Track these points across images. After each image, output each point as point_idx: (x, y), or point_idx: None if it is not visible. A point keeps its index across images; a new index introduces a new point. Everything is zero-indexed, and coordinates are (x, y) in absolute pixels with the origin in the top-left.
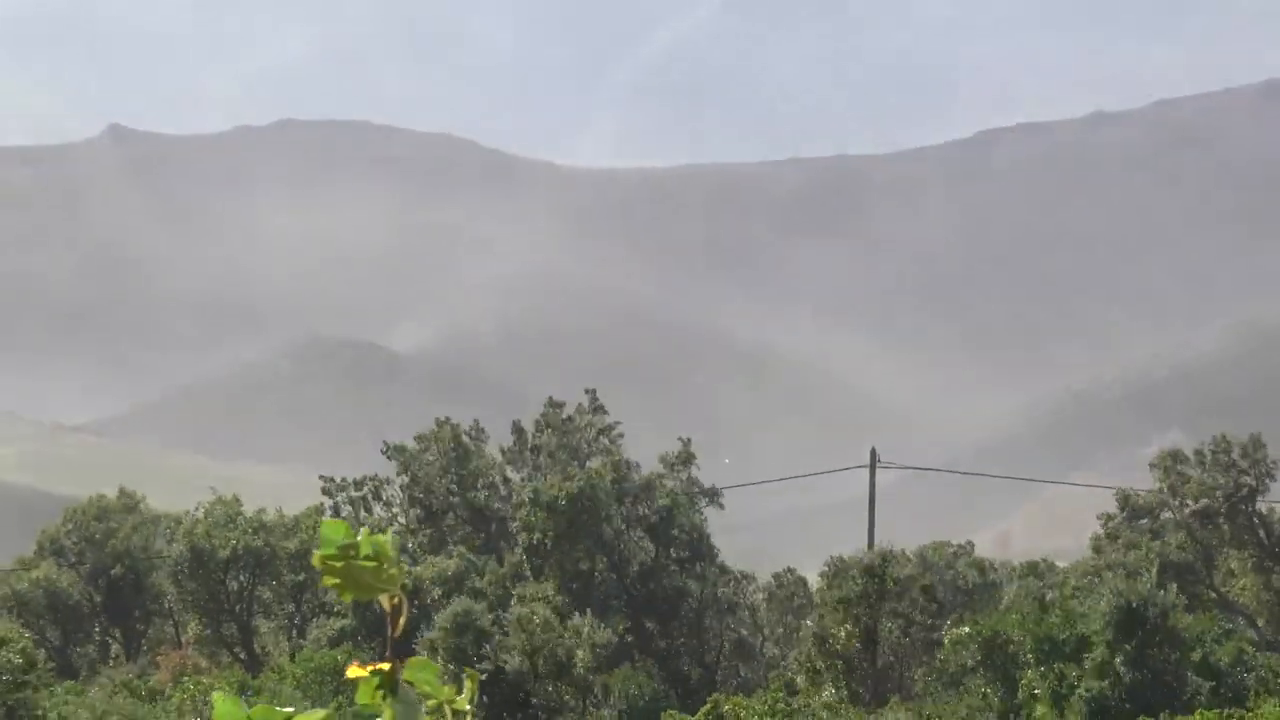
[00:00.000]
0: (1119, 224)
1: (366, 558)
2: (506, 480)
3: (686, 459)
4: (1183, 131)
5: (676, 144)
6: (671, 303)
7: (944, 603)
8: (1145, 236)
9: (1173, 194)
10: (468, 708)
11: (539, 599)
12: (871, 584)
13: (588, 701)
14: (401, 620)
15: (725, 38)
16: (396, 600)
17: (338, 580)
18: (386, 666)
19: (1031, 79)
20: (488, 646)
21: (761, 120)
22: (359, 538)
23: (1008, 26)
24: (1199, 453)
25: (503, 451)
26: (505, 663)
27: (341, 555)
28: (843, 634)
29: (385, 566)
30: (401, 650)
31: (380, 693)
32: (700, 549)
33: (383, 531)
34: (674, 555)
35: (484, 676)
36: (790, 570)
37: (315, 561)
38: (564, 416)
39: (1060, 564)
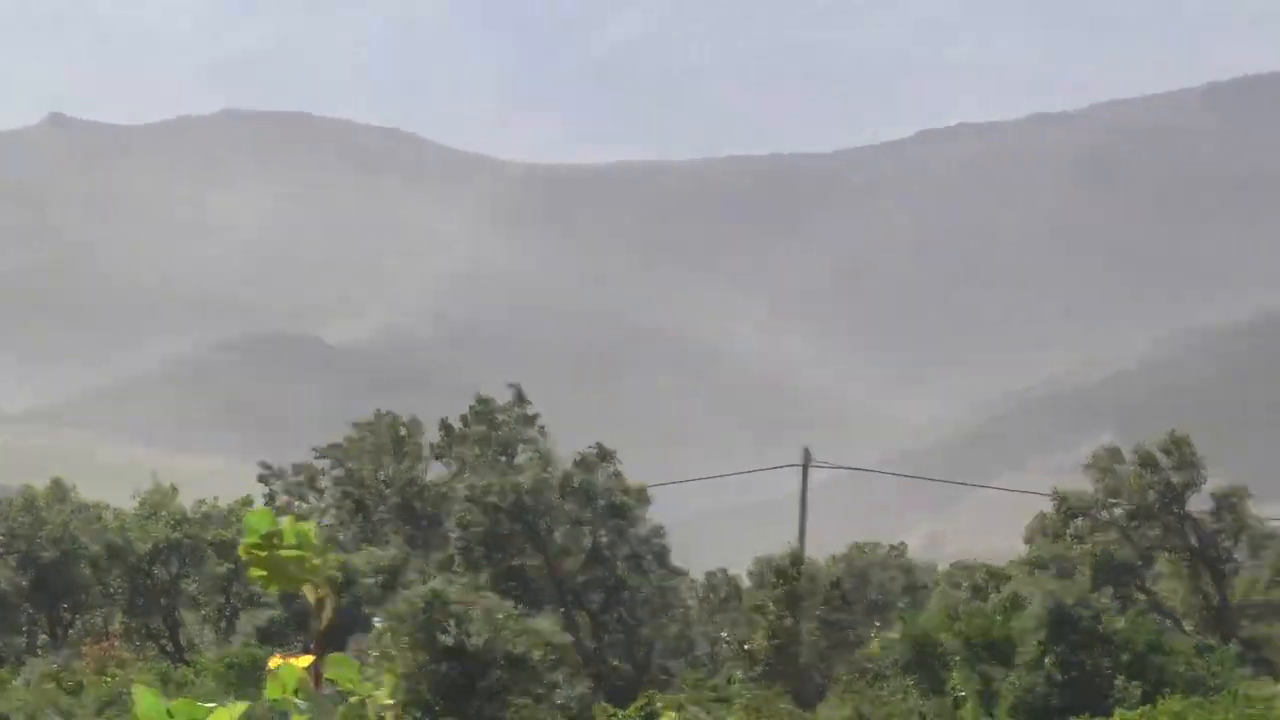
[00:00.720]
0: (1055, 226)
1: (290, 547)
2: (436, 476)
3: (605, 456)
4: (1122, 134)
5: (616, 140)
6: (609, 300)
7: (873, 603)
8: (1082, 239)
9: (1110, 197)
10: (389, 702)
11: (481, 586)
12: (786, 585)
13: (540, 696)
14: (327, 612)
15: (666, 35)
16: (323, 593)
17: (263, 571)
18: (308, 660)
19: (975, 80)
20: (453, 627)
21: (701, 118)
22: (283, 526)
23: (953, 27)
24: (1139, 452)
25: (432, 447)
26: (470, 643)
27: (265, 544)
28: (759, 636)
29: (309, 556)
30: (337, 642)
31: (292, 688)
32: (646, 545)
33: (307, 519)
34: (619, 552)
35: (443, 667)
36: (722, 570)
37: (241, 551)
38: (491, 412)
39: (991, 564)
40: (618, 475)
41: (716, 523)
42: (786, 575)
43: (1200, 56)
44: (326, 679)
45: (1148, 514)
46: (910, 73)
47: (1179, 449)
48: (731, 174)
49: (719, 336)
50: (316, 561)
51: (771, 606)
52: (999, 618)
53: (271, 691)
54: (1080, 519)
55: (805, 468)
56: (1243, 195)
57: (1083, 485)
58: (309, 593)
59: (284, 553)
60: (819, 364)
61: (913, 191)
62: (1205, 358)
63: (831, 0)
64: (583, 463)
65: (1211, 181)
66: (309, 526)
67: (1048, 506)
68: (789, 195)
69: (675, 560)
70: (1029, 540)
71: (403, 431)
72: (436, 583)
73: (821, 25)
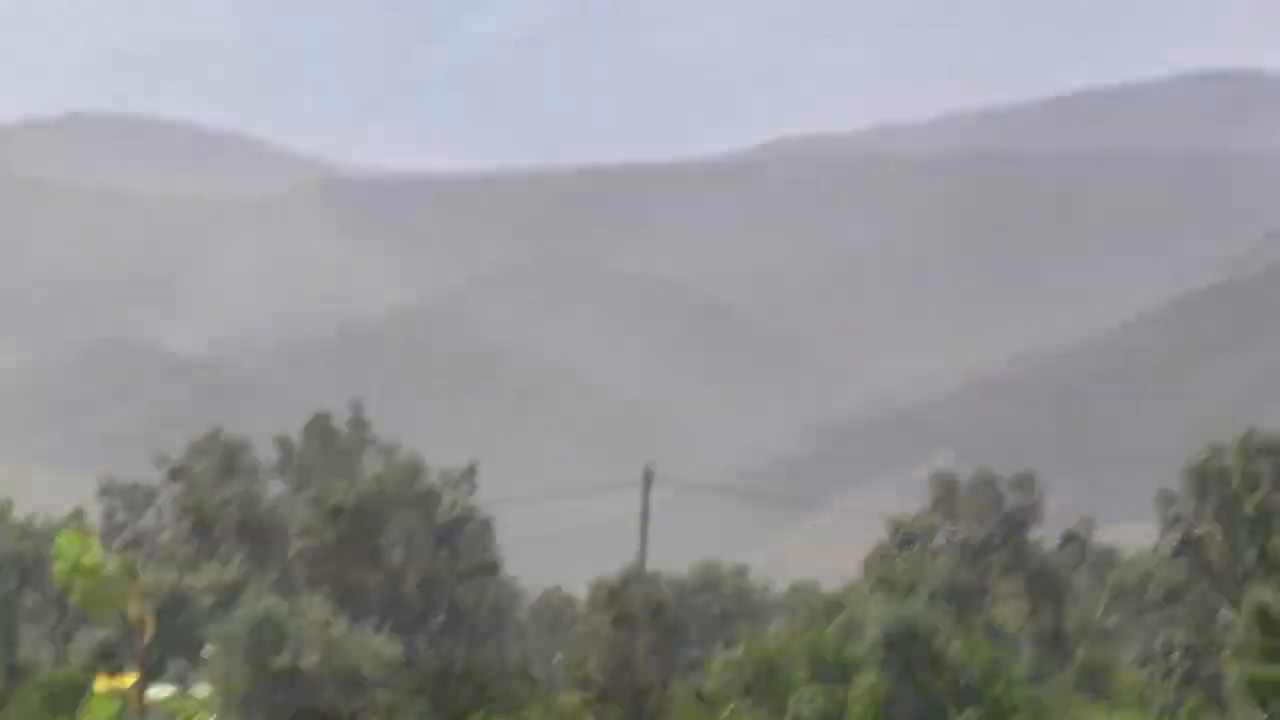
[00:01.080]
0: (898, 240)
1: (100, 573)
2: (276, 494)
3: (469, 475)
4: (969, 146)
5: (458, 146)
6: (450, 312)
7: (713, 624)
8: (925, 255)
9: (954, 211)
10: None
11: (317, 605)
12: (620, 607)
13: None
14: (146, 635)
15: (511, 42)
16: (140, 615)
17: (77, 595)
18: (131, 681)
19: (822, 88)
20: (287, 647)
21: (544, 126)
22: (91, 552)
23: (802, 35)
24: (983, 478)
25: (269, 468)
26: (301, 663)
27: (76, 570)
28: (592, 660)
29: (120, 582)
30: (163, 663)
31: (115, 709)
32: (486, 563)
33: (143, 537)
34: (458, 569)
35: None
36: (557, 588)
37: (57, 575)
38: (329, 430)
39: (832, 586)
40: (460, 492)
41: (557, 543)
42: (620, 597)
43: (1049, 69)
44: (150, 701)
45: (988, 540)
46: (760, 80)
47: (1023, 482)
48: (574, 182)
49: (561, 351)
50: (127, 587)
51: (607, 628)
52: (838, 640)
53: (93, 712)
54: (918, 544)
55: (646, 485)
56: (1083, 216)
57: (924, 503)
58: (131, 615)
59: (92, 578)
60: (663, 380)
61: (754, 202)
62: (1043, 379)
63: (680, 6)
64: (446, 478)
65: (1057, 196)
66: (119, 557)
67: (888, 526)
68: (632, 205)
69: (516, 581)
70: (869, 564)
71: (238, 451)
72: (270, 602)
73: (672, 30)
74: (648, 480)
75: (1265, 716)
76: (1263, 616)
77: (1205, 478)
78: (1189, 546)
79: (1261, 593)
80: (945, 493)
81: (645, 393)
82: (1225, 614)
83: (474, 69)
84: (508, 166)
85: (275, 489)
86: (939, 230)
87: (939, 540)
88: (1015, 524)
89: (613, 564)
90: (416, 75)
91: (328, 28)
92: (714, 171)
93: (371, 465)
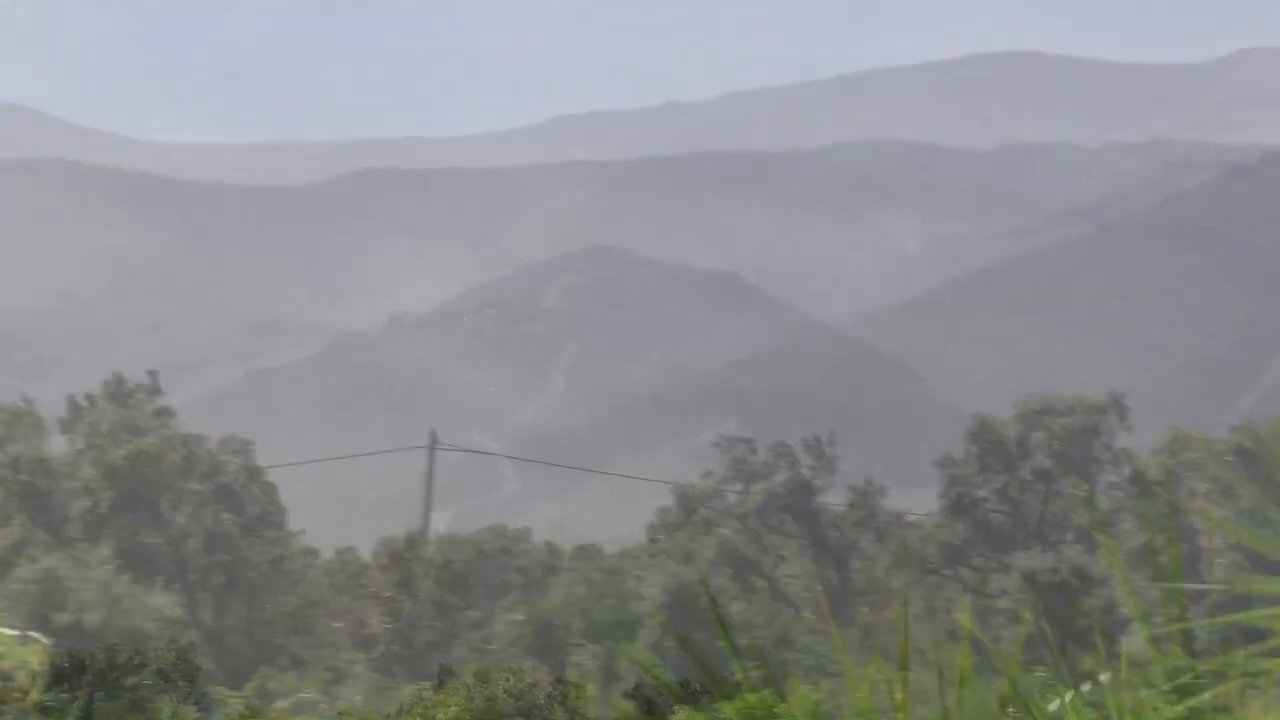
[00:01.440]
0: (682, 213)
1: None
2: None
3: (244, 447)
4: (752, 123)
5: (225, 124)
6: (232, 286)
7: (497, 587)
8: (711, 230)
9: (737, 187)
10: (38, 669)
11: (100, 564)
12: (401, 569)
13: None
14: None
15: (274, 22)
16: None
17: None
18: None
19: (612, 65)
20: (69, 606)
21: (328, 101)
22: None
23: (580, 13)
24: (780, 447)
25: (59, 422)
26: (84, 622)
27: None
28: (377, 619)
29: None
30: None
31: None
32: (270, 519)
33: None
34: (239, 525)
35: (56, 644)
36: (350, 549)
37: None
38: (124, 393)
39: (614, 550)
40: (248, 458)
41: (353, 506)
42: (401, 559)
43: (841, 48)
44: None
45: (773, 503)
46: (541, 59)
47: (811, 447)
48: (362, 160)
49: (345, 327)
50: None
51: (388, 589)
52: (620, 601)
53: None
54: (704, 508)
55: (431, 450)
56: (859, 193)
57: (713, 467)
58: None
59: None
60: (450, 352)
61: (543, 180)
62: (836, 349)
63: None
64: (215, 444)
65: (846, 168)
66: None
67: (674, 492)
68: (408, 185)
69: (305, 539)
70: (653, 528)
71: (21, 410)
72: (52, 560)
73: (447, 11)
74: (433, 444)
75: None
76: (1032, 580)
77: (984, 443)
78: (967, 509)
79: (1030, 558)
80: (734, 457)
81: (438, 365)
82: (999, 577)
83: (250, 50)
84: (290, 142)
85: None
86: (723, 203)
87: (728, 502)
88: (803, 488)
89: (406, 527)
90: (195, 53)
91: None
92: (504, 145)
93: (153, 429)
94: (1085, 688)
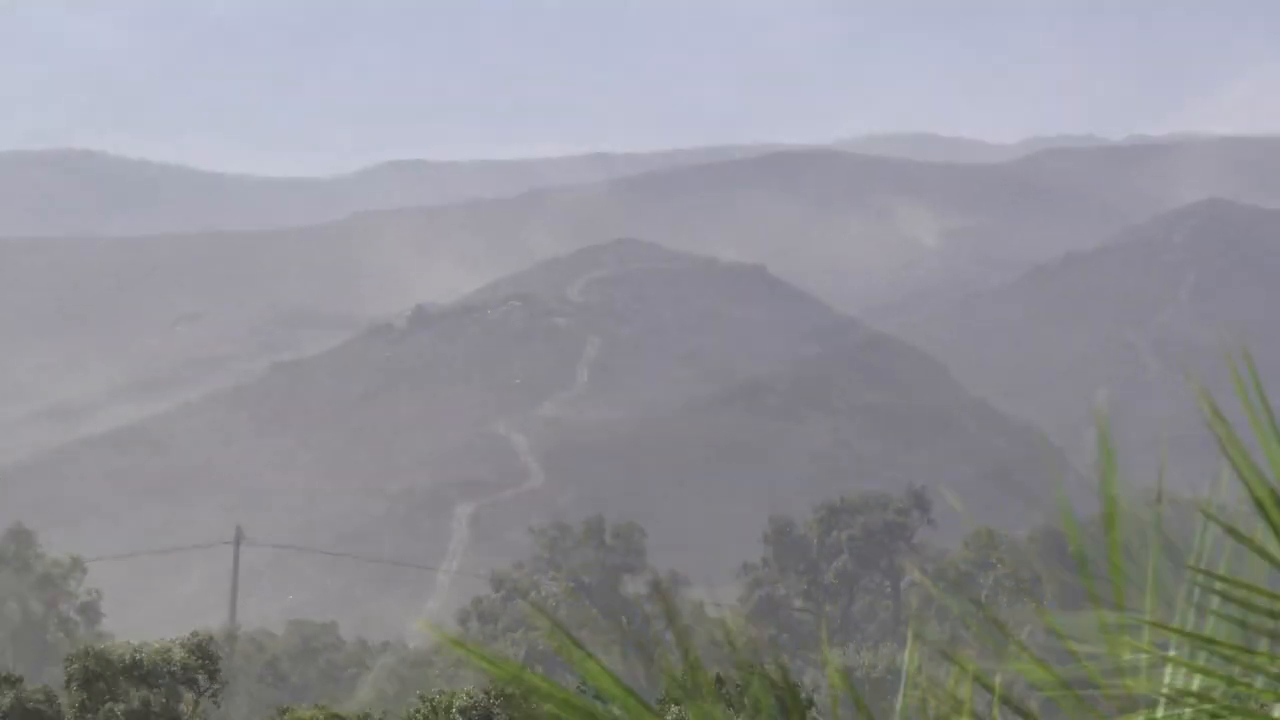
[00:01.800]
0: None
1: None
2: None
3: (22, 538)
4: (531, 192)
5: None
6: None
7: (303, 684)
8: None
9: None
10: None
11: None
12: (201, 664)
13: None
14: None
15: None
16: None
17: None
18: None
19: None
20: None
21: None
22: None
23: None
24: (588, 525)
25: None
26: None
27: None
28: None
29: None
30: None
31: None
32: (83, 615)
33: None
34: (50, 623)
35: None
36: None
37: None
38: None
39: (422, 644)
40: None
41: (153, 602)
42: (203, 651)
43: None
44: None
45: (585, 589)
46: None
47: (627, 534)
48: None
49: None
50: None
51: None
52: (431, 703)
53: None
54: (519, 600)
55: (237, 545)
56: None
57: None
58: None
59: None
60: (246, 438)
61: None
62: (656, 436)
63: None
64: (16, 535)
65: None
66: None
67: (491, 580)
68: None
69: (111, 637)
70: (464, 622)
71: None
72: None
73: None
74: (238, 539)
75: None
76: (846, 678)
77: (783, 546)
78: (769, 607)
79: (840, 655)
80: (549, 545)
81: (235, 452)
82: (812, 671)
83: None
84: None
85: None
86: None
87: (544, 590)
88: (612, 577)
89: (215, 621)
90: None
91: None
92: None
93: None
94: None
